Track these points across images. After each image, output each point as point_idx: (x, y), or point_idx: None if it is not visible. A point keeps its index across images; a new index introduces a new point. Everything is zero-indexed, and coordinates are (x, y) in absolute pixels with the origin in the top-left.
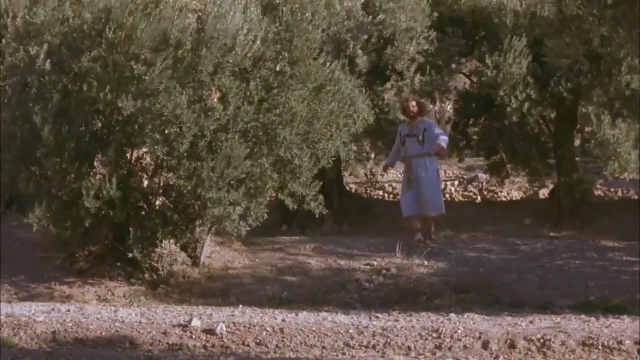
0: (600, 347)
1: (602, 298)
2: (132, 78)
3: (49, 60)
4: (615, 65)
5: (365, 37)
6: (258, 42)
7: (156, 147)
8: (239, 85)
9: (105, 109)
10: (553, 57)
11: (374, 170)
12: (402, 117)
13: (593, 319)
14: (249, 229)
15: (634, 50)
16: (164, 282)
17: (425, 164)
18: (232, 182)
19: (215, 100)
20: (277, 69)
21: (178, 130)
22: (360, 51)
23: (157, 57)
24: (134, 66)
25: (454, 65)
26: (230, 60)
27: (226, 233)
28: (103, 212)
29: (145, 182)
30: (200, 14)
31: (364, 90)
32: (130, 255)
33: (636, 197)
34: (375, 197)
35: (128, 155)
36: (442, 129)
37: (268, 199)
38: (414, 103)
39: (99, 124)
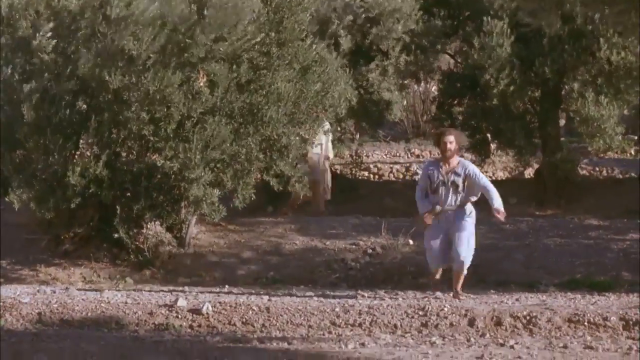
0: (586, 323)
1: (588, 276)
2: (122, 53)
3: (43, 40)
4: (596, 42)
5: (351, 17)
6: (250, 27)
7: (142, 127)
8: (227, 69)
9: (96, 87)
10: (528, 17)
11: (358, 151)
12: (387, 96)
13: (579, 296)
14: (225, 214)
15: (613, 26)
16: (150, 263)
17: (465, 212)
18: (217, 165)
19: (202, 84)
20: (266, 50)
21: (166, 110)
22: (342, 31)
23: (146, 32)
24: (125, 43)
25: (439, 46)
26: (222, 49)
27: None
28: (90, 191)
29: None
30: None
31: (347, 71)
32: (116, 236)
33: (620, 176)
34: (360, 177)
35: (114, 135)
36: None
37: (254, 179)
38: (451, 139)
39: (85, 104)
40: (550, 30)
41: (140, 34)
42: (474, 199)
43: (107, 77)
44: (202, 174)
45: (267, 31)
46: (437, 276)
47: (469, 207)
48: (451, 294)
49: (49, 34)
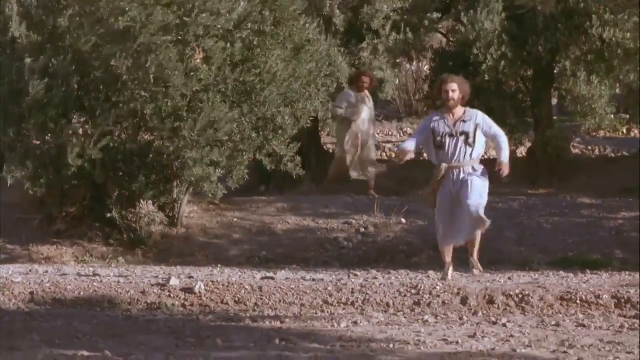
0: (578, 301)
1: (580, 254)
2: (122, 33)
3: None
4: (588, 19)
5: None
6: (244, 3)
7: (145, 105)
8: (222, 47)
9: (93, 67)
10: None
11: None
12: (379, 75)
13: (571, 274)
14: (225, 192)
15: (605, 2)
16: (143, 242)
17: (472, 170)
18: (213, 144)
19: (199, 60)
20: (261, 29)
21: (164, 89)
22: (337, 10)
23: (146, 14)
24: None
25: (426, 22)
26: (219, 25)
27: (204, 194)
28: (83, 172)
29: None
30: None
31: (341, 49)
32: (108, 215)
33: (613, 155)
34: None
35: (108, 114)
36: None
37: (247, 159)
38: (454, 86)
39: (77, 83)
40: (545, 11)
41: (137, 13)
42: (504, 169)
43: (113, 62)
44: (204, 153)
45: (261, 10)
46: (448, 258)
47: (480, 166)
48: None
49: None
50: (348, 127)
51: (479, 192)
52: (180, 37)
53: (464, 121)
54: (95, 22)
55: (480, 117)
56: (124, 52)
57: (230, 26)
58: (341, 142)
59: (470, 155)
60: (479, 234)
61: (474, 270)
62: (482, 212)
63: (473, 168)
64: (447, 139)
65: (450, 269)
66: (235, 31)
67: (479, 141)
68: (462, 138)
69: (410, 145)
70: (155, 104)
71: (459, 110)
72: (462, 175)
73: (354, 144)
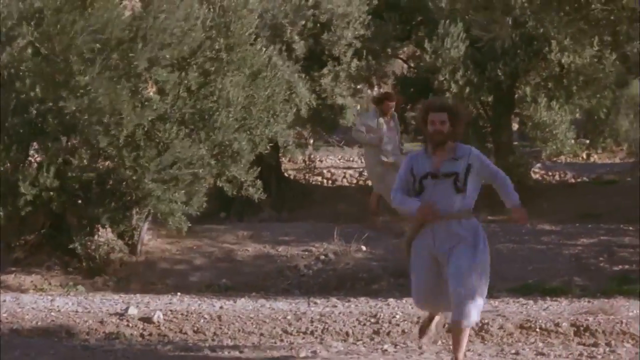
0: (538, 329)
1: (540, 281)
2: (71, 75)
3: None
4: (547, 45)
5: (303, 22)
6: (195, 33)
7: (98, 137)
8: (177, 76)
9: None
10: (479, 31)
11: (312, 156)
12: (340, 101)
13: (531, 301)
14: (190, 225)
15: (564, 29)
16: (102, 270)
17: (471, 226)
18: (177, 176)
19: (152, 93)
20: (215, 56)
21: (117, 120)
22: (297, 37)
23: (95, 54)
24: (74, 66)
25: (390, 50)
26: (168, 55)
27: (166, 225)
28: (39, 201)
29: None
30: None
31: (302, 76)
32: (71, 246)
33: (573, 180)
34: (314, 183)
35: (65, 143)
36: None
37: (207, 186)
38: (443, 116)
39: (34, 113)
40: (502, 42)
41: (86, 54)
42: (519, 217)
43: (61, 103)
44: (165, 191)
45: (215, 36)
46: (427, 320)
47: (473, 221)
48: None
49: None
50: (373, 154)
51: (475, 279)
52: (126, 71)
53: (454, 159)
54: (42, 60)
55: (474, 155)
56: (71, 92)
57: (185, 54)
58: (369, 172)
59: (460, 204)
60: (466, 330)
61: None
62: (475, 317)
63: (463, 224)
64: (429, 182)
65: (432, 324)
66: (190, 59)
67: (472, 186)
68: (449, 181)
69: (415, 201)
70: (108, 135)
71: (448, 146)
72: (447, 233)
73: (378, 174)
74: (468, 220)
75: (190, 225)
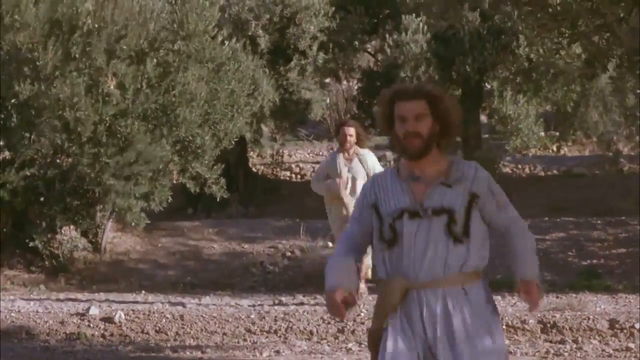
0: (504, 327)
1: (508, 276)
2: (28, 61)
3: None
4: (515, 39)
5: (267, 16)
6: (153, 24)
7: (55, 134)
8: (136, 69)
9: (6, 93)
10: (434, 19)
11: (280, 150)
12: (307, 95)
13: (499, 297)
14: (148, 221)
15: (523, 22)
16: (65, 269)
17: (465, 301)
18: (138, 172)
19: (112, 87)
20: (175, 47)
21: (76, 116)
22: (261, 31)
23: (49, 41)
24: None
25: (357, 43)
26: (125, 47)
27: (124, 220)
28: (1, 199)
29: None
30: None
31: (267, 71)
32: (31, 244)
33: (543, 173)
34: (282, 177)
35: (26, 141)
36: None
37: (174, 181)
38: (420, 108)
39: None
40: (468, 35)
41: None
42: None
43: (16, 87)
44: (132, 187)
45: (175, 29)
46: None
47: (481, 291)
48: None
49: None
50: (335, 207)
51: None
52: (86, 64)
53: (446, 186)
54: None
55: (481, 178)
56: (26, 78)
57: (144, 48)
58: (332, 228)
59: (461, 263)
60: None
61: None
62: None
63: (470, 298)
64: (407, 226)
65: None
66: (149, 52)
67: (479, 230)
68: (439, 223)
69: (344, 278)
70: (67, 131)
71: (434, 163)
72: (440, 312)
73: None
74: (476, 291)
75: (149, 222)
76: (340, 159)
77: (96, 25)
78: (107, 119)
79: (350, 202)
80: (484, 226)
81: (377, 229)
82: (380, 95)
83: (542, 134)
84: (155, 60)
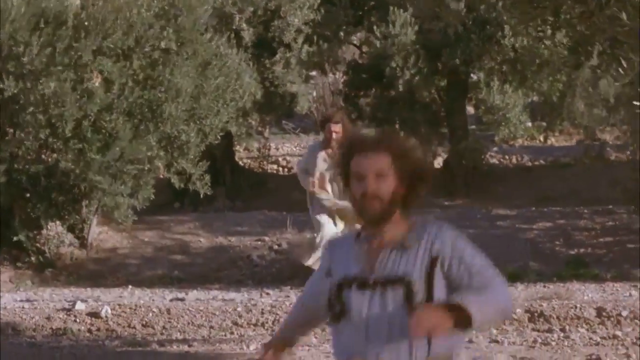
0: None
1: (496, 266)
2: (12, 57)
3: None
4: (500, 29)
5: (252, 9)
6: (141, 21)
7: (39, 129)
8: (122, 66)
9: None
10: (426, 19)
11: (267, 144)
12: (292, 88)
13: None
14: (136, 218)
15: (516, 14)
16: (51, 264)
17: None
18: (123, 169)
19: (97, 84)
20: (163, 46)
21: (60, 112)
22: (245, 25)
23: (33, 36)
24: (13, 46)
25: (342, 36)
26: (112, 45)
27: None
28: None
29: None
30: None
31: (251, 64)
32: (15, 238)
33: (530, 163)
34: (269, 171)
35: (10, 136)
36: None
37: (161, 176)
38: (381, 164)
39: None
40: (453, 27)
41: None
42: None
43: (0, 85)
44: (120, 186)
45: (164, 25)
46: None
47: None
48: None
49: None
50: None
51: None
52: (72, 60)
53: (402, 251)
54: None
55: (445, 237)
56: (9, 74)
57: (131, 44)
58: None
59: (428, 347)
60: None
61: None
62: None
63: None
64: (356, 297)
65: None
66: (136, 49)
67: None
68: (395, 294)
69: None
70: (52, 127)
71: (394, 225)
72: None
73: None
74: None
75: (136, 218)
76: (321, 156)
77: (85, 24)
78: (91, 114)
79: (327, 199)
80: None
81: (333, 294)
82: (339, 145)
83: (529, 124)
84: (141, 57)
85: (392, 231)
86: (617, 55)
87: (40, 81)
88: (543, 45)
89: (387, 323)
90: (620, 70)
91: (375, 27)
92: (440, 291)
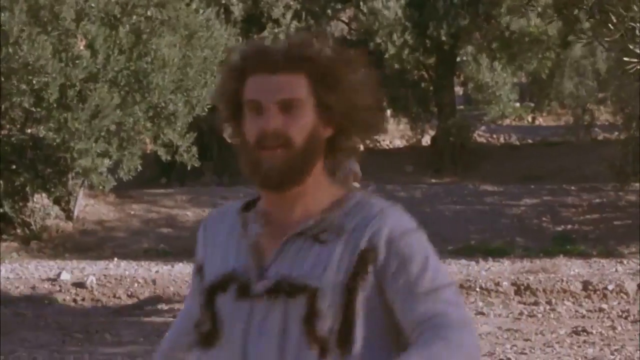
0: (478, 289)
1: (483, 242)
2: None
3: None
4: (494, 7)
5: None
6: None
7: (22, 98)
8: (107, 33)
9: None
10: None
11: None
12: None
13: (473, 262)
14: (115, 184)
15: None
16: (37, 236)
17: None
18: (102, 134)
19: (82, 48)
20: (148, 14)
21: (44, 80)
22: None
23: (15, 4)
24: None
25: (330, 12)
26: (93, 5)
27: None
28: None
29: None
30: None
31: (240, 39)
32: (0, 210)
33: (517, 142)
34: None
35: None
36: None
37: (147, 151)
38: (287, 88)
39: None
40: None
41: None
42: None
43: None
44: (93, 144)
45: None
46: None
47: None
48: None
49: None
50: None
51: None
52: (55, 25)
53: (313, 240)
54: None
55: (388, 228)
56: None
57: (116, 11)
58: None
59: None
60: None
61: None
62: None
63: None
64: (231, 309)
65: None
66: (122, 17)
67: (371, 330)
68: (292, 310)
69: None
70: (36, 96)
71: (312, 196)
72: None
73: None
74: None
75: (115, 184)
76: None
77: None
78: (77, 83)
79: None
80: (382, 321)
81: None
82: (226, 59)
83: (518, 104)
84: (127, 26)
85: (303, 205)
86: (607, 10)
87: (22, 48)
88: (533, 23)
89: (277, 351)
90: (610, 25)
91: (361, 3)
92: (365, 314)
